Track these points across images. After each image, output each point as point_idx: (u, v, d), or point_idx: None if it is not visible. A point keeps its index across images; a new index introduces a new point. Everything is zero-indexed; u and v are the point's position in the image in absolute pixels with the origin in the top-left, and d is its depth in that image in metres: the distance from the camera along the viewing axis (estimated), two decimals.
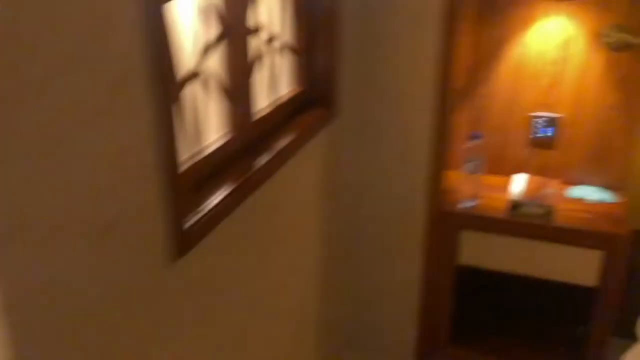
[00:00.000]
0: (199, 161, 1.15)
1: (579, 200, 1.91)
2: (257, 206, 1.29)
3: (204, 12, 1.16)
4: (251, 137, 1.36)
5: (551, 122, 1.96)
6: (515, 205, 1.80)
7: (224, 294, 1.21)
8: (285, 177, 1.44)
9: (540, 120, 1.97)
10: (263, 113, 1.44)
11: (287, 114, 1.57)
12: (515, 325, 2.11)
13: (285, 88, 1.61)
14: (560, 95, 1.94)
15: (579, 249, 1.77)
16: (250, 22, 1.31)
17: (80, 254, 0.77)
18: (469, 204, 1.86)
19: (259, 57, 1.40)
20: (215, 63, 1.21)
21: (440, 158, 1.82)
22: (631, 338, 1.61)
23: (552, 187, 1.93)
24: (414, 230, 1.91)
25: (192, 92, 1.13)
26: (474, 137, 1.85)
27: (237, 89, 1.27)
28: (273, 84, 1.53)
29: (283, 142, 1.41)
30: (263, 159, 1.30)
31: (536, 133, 1.99)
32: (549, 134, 1.98)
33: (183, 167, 1.05)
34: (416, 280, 1.97)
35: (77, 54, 0.73)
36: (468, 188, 1.88)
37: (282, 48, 1.56)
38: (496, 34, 1.93)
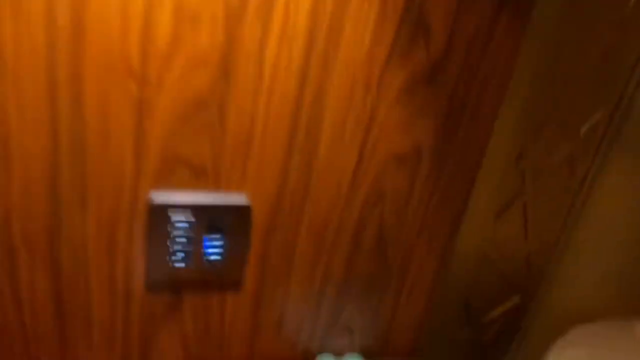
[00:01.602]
0: None
1: None
2: None
3: None
4: None
5: (215, 225, 0.57)
6: None
7: None
8: None
9: (180, 224, 0.56)
10: None
11: None
12: None
13: None
14: (231, 133, 0.54)
15: None
16: None
17: None
18: None
19: None
20: None
21: None
22: None
23: None
24: None
25: None
26: None
27: None
28: None
29: None
30: None
31: (178, 261, 0.58)
32: (218, 256, 0.59)
33: None
34: None
35: None
36: None
37: None
38: None
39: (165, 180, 0.54)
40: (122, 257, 0.57)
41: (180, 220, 0.56)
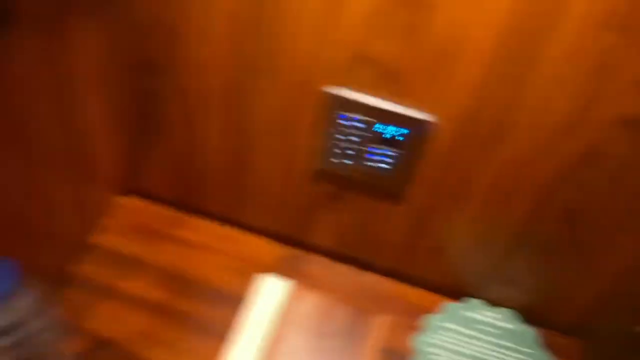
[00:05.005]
0: None
1: None
2: None
3: None
4: None
5: (388, 134, 0.54)
6: None
7: None
8: None
9: (353, 122, 0.54)
10: None
11: None
12: None
13: None
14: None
15: None
16: None
17: None
18: None
19: None
20: None
21: None
22: None
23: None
24: None
25: None
26: None
27: None
28: None
29: None
30: None
31: (344, 157, 0.57)
32: (386, 165, 0.56)
33: None
34: None
35: None
36: None
37: None
38: None
39: (348, 76, 0.51)
40: (294, 137, 0.58)
41: (353, 118, 0.54)
